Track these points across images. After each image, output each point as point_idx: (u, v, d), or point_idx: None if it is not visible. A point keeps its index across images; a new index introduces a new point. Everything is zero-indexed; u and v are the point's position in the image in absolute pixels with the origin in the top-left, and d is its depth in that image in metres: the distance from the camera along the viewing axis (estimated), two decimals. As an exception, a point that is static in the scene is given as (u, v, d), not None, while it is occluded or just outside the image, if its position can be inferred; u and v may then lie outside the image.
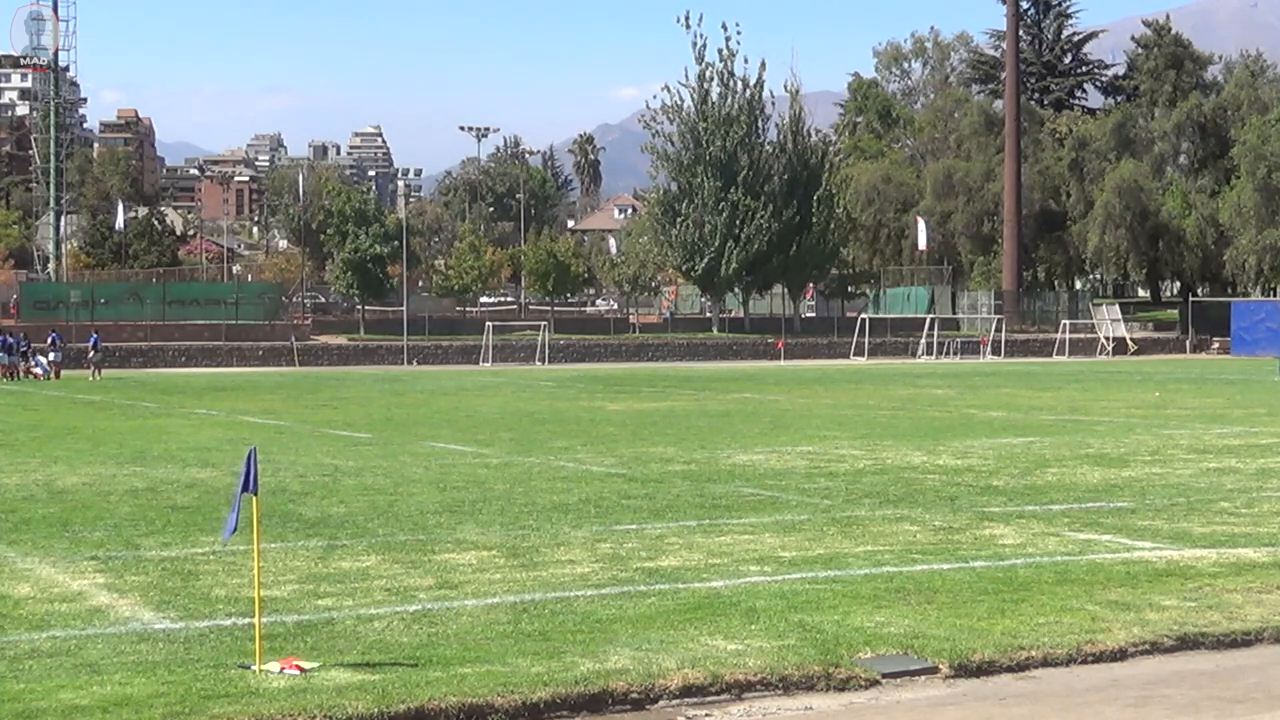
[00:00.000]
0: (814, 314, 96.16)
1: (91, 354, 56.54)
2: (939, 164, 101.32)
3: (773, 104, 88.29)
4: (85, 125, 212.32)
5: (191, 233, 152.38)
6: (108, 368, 58.45)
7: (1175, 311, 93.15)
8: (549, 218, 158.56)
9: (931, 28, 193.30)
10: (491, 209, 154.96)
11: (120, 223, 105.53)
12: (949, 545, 14.16)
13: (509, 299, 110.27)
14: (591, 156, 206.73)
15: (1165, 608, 11.24)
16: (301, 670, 9.26)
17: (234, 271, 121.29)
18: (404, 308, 76.53)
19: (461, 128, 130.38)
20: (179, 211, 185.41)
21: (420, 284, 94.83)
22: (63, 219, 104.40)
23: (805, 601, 11.42)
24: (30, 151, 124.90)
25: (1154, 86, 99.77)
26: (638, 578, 12.43)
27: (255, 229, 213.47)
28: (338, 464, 21.95)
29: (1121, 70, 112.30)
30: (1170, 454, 23.21)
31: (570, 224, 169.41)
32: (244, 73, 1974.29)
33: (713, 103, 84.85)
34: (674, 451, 23.84)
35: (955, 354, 78.29)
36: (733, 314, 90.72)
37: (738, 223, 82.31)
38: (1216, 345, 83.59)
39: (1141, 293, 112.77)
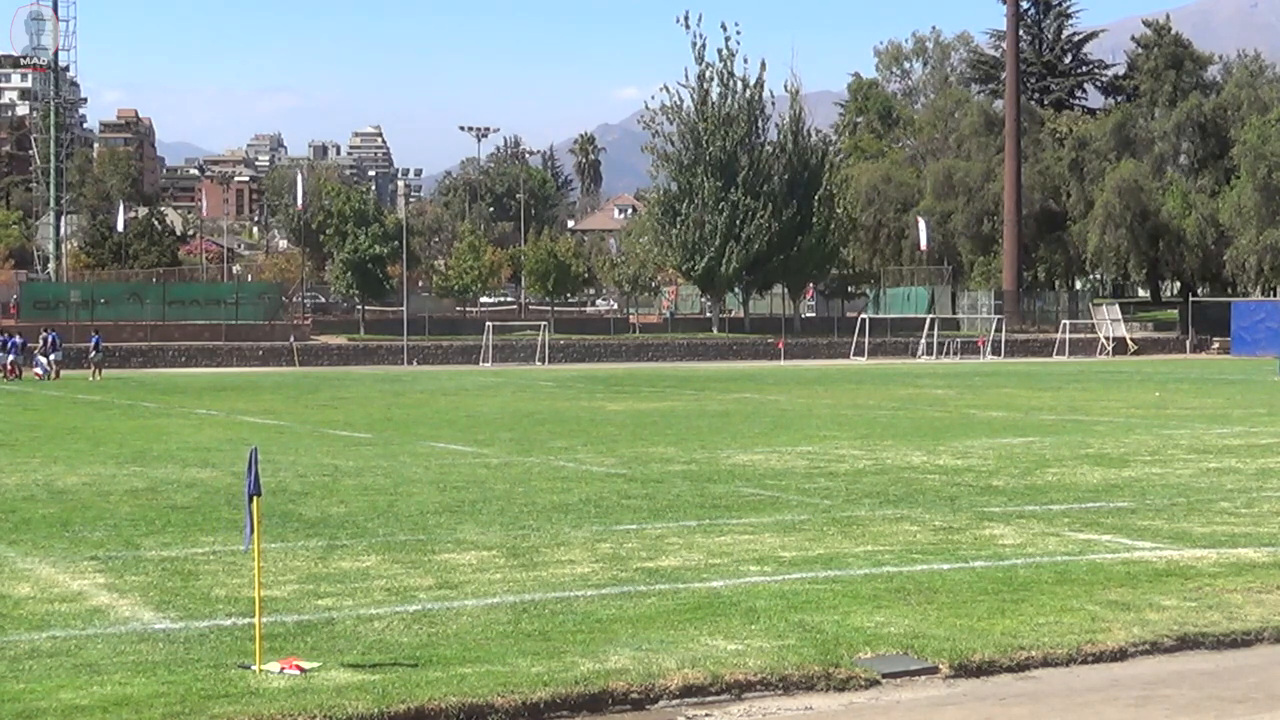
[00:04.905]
0: (814, 314, 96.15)
1: (92, 354, 56.53)
2: (939, 164, 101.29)
3: (773, 104, 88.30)
4: (85, 125, 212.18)
5: (191, 233, 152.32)
6: (108, 368, 58.43)
7: (1175, 311, 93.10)
8: (549, 218, 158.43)
9: (932, 27, 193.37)
10: (491, 209, 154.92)
11: (120, 223, 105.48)
12: (949, 545, 14.16)
13: (509, 299, 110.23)
14: (592, 156, 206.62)
15: (1165, 608, 11.24)
16: (301, 670, 9.26)
17: (234, 271, 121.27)
18: (404, 308, 76.52)
19: (461, 128, 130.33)
20: (179, 211, 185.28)
21: (420, 284, 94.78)
22: (63, 219, 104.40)
23: (805, 601, 11.42)
24: (30, 151, 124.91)
25: (1154, 86, 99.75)
26: (638, 578, 12.43)
27: (255, 229, 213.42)
28: (338, 464, 21.95)
29: (1121, 70, 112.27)
30: (1170, 454, 23.21)
31: (570, 224, 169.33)
32: (244, 73, 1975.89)
33: (713, 103, 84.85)
34: (674, 451, 23.83)
35: (955, 354, 78.27)
36: (733, 314, 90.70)
37: (738, 223, 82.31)
38: (1216, 345, 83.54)
39: (1141, 293, 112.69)
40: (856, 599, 11.50)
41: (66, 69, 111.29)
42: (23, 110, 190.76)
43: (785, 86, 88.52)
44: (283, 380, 54.10)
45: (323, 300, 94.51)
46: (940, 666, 9.74)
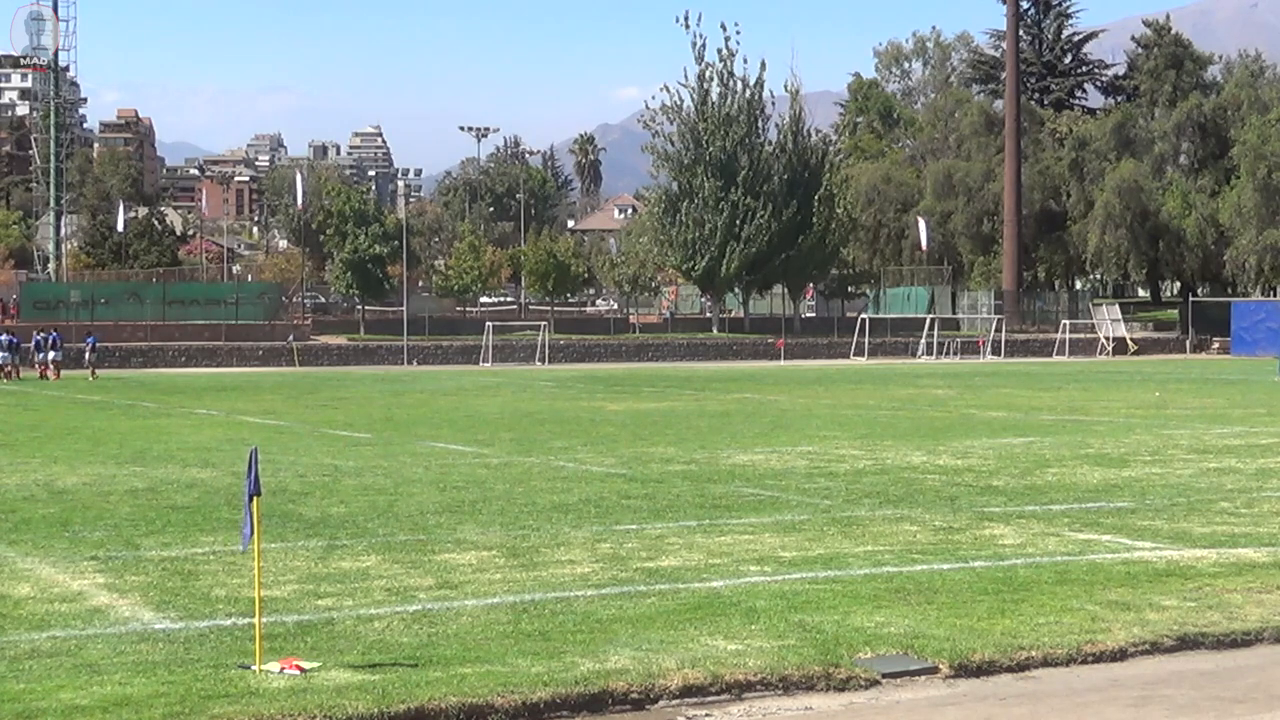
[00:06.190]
0: (814, 314, 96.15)
1: (88, 354, 56.60)
2: (939, 164, 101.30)
3: (773, 104, 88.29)
4: (85, 125, 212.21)
5: (191, 233, 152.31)
6: (107, 367, 58.46)
7: (1175, 311, 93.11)
8: (549, 218, 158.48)
9: (932, 27, 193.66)
10: (491, 209, 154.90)
11: (120, 223, 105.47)
12: (949, 545, 14.16)
13: (509, 299, 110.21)
14: (591, 156, 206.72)
15: (1165, 608, 11.24)
16: (301, 670, 9.27)
17: (234, 271, 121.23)
18: (404, 308, 76.53)
19: (461, 128, 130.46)
20: (179, 211, 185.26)
21: (420, 284, 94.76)
22: (63, 219, 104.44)
23: (805, 601, 11.42)
24: (30, 151, 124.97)
25: (1154, 86, 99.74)
26: (638, 578, 12.43)
27: (255, 229, 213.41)
28: (338, 464, 21.95)
29: (1121, 70, 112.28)
30: (1170, 454, 23.21)
31: (570, 224, 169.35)
32: (244, 73, 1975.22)
33: (713, 103, 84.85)
34: (674, 451, 23.83)
35: (955, 354, 78.27)
36: (733, 314, 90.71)
37: (738, 223, 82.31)
38: (1216, 345, 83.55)
39: (1141, 293, 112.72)
40: (856, 599, 11.50)
41: (66, 69, 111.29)
42: (23, 110, 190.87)
43: (785, 86, 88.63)
44: (283, 380, 54.10)
45: (323, 300, 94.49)
46: (940, 666, 9.74)
